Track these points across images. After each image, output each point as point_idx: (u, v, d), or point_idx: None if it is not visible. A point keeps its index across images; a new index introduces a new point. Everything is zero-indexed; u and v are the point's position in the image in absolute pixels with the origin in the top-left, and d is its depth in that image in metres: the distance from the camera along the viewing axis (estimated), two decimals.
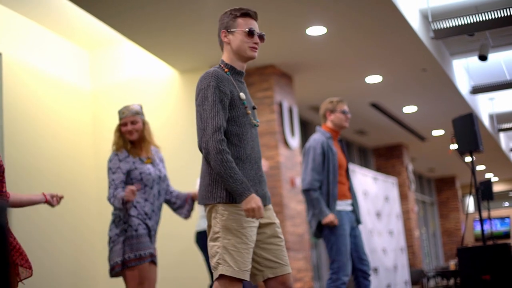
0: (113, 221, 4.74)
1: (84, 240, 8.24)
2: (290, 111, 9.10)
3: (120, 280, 8.04)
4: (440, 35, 7.78)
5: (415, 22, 7.95)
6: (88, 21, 7.60)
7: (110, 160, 4.77)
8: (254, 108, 3.29)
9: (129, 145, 4.82)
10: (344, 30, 7.85)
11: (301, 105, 10.60)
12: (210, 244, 3.08)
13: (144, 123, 4.91)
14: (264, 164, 6.45)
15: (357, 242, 5.38)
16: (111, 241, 4.70)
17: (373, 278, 8.56)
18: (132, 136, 4.80)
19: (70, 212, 7.95)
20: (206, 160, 3.08)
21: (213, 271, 3.07)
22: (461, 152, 6.47)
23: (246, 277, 3.02)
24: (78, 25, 7.98)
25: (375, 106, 11.43)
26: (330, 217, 5.14)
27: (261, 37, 3.27)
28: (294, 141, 9.06)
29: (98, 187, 8.63)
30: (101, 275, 8.39)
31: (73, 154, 8.22)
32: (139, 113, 4.87)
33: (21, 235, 6.65)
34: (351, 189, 5.51)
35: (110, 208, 8.61)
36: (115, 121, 8.66)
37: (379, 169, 14.86)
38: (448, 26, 7.58)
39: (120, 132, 4.86)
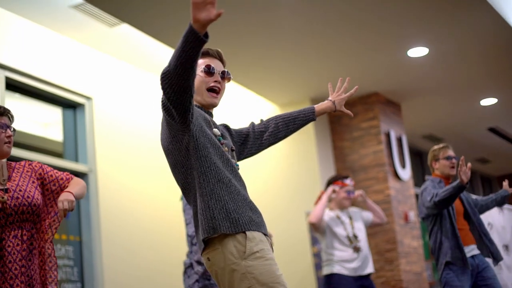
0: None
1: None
2: (399, 140, 8.62)
3: None
4: None
5: None
6: None
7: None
8: (232, 150, 2.85)
9: None
10: (447, 49, 7.32)
11: (412, 134, 10.05)
12: None
13: None
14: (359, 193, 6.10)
15: (490, 284, 4.84)
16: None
17: None
18: None
19: (167, 257, 7.51)
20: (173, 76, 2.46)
21: None
22: None
23: None
24: None
25: (494, 130, 10.70)
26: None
27: (225, 77, 2.84)
28: (405, 173, 8.53)
29: None
30: None
31: (175, 200, 7.95)
32: None
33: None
34: (473, 231, 4.99)
35: None
36: None
37: None
38: None
39: None
